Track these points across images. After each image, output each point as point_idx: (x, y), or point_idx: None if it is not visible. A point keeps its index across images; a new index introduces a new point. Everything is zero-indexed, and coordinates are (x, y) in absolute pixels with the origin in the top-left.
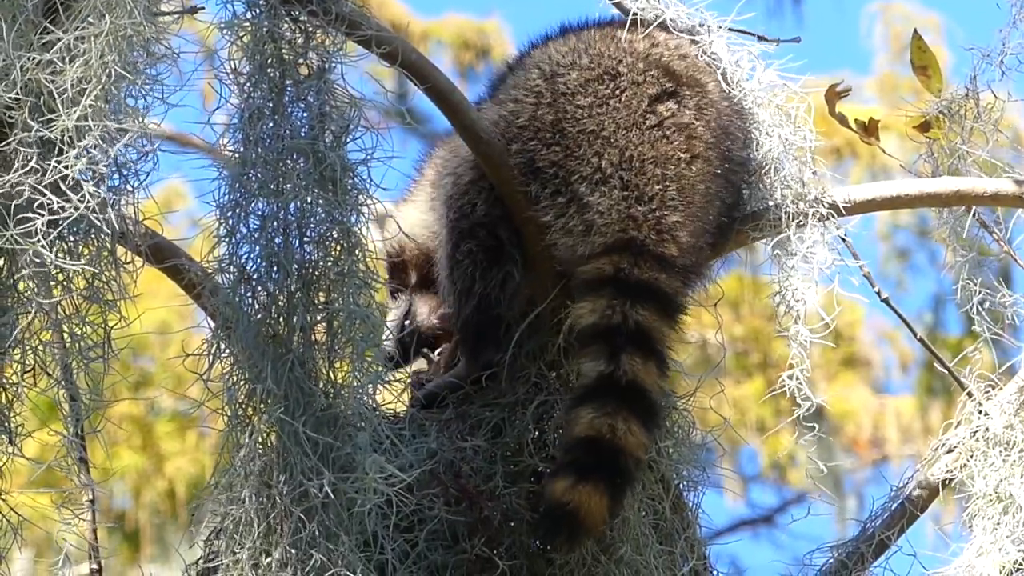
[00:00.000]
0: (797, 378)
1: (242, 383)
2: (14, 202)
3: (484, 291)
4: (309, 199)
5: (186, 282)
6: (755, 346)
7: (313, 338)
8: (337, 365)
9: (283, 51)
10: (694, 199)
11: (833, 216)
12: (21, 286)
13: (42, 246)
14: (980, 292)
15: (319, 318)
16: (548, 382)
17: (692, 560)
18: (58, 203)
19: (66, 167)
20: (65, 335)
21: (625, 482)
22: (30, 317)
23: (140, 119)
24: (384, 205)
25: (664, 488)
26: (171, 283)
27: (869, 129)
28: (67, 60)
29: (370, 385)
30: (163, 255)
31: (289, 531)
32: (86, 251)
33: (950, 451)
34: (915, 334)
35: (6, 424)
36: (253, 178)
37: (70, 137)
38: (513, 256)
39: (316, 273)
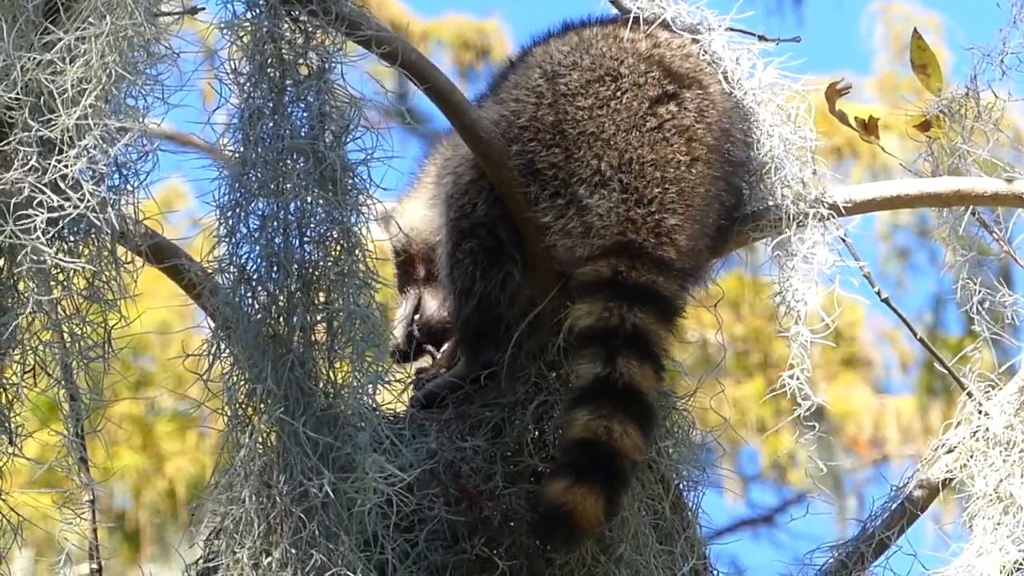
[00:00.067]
0: (797, 378)
1: (242, 383)
2: (14, 199)
3: (484, 290)
4: (309, 199)
5: (186, 282)
6: (755, 346)
7: (313, 338)
8: (337, 365)
9: (283, 51)
10: (694, 202)
11: (833, 216)
12: (21, 286)
13: (41, 243)
14: (980, 292)
15: (319, 318)
16: (548, 382)
17: (692, 560)
18: (58, 201)
19: (66, 167)
20: (65, 335)
21: (621, 484)
22: (30, 317)
23: (140, 119)
24: (385, 204)
25: (664, 488)
26: (171, 283)
27: (869, 127)
28: (67, 60)
29: (370, 385)
30: (163, 255)
31: (289, 531)
32: (86, 250)
33: (950, 451)
34: (915, 334)
35: (6, 424)
36: (253, 178)
37: (70, 137)
38: (513, 256)
39: (316, 273)
